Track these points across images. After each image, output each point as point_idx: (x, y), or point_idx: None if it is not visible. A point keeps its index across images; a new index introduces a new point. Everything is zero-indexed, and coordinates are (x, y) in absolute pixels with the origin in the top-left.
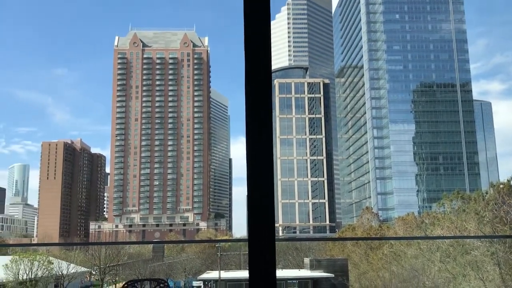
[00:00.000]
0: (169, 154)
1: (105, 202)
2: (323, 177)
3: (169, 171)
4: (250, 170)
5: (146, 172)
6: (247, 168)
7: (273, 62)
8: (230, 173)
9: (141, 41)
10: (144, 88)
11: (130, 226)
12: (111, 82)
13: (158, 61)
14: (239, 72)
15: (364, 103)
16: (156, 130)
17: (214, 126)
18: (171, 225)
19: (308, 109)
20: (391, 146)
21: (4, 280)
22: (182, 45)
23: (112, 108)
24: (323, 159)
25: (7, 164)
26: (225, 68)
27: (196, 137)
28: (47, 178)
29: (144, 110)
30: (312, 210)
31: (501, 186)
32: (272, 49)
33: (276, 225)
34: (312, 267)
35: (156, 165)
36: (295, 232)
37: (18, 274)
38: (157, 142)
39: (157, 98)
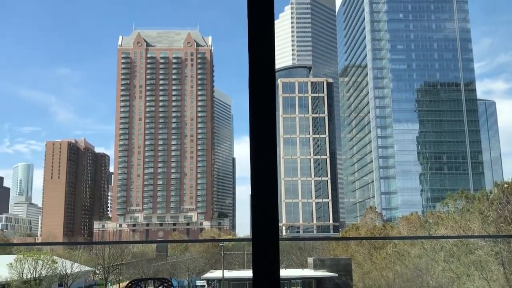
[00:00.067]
0: (173, 153)
1: (109, 201)
2: (327, 176)
3: (173, 170)
4: (254, 170)
5: (150, 171)
6: (251, 167)
7: (276, 62)
8: (234, 172)
9: (145, 41)
10: (148, 87)
11: (134, 225)
12: (115, 81)
13: (161, 60)
14: (243, 72)
15: (368, 102)
16: (160, 129)
17: (217, 125)
18: (174, 224)
19: (312, 109)
20: (395, 146)
21: (8, 279)
22: (185, 44)
23: (116, 107)
24: (326, 159)
25: (11, 163)
26: (228, 68)
27: (199, 136)
28: (51, 178)
29: (147, 109)
30: (316, 210)
31: (505, 185)
32: (276, 49)
33: (280, 224)
34: (316, 267)
35: (159, 165)
36: (298, 232)
37: (22, 273)
38: (160, 142)
39: (161, 98)
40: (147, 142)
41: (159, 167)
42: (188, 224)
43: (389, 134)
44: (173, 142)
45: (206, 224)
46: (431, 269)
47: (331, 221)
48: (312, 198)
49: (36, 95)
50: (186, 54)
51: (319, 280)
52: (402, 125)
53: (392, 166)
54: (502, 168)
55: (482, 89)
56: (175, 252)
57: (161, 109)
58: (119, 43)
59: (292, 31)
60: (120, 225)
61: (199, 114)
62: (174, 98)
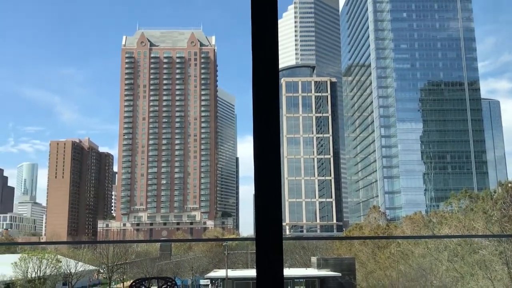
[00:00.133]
0: (177, 153)
1: (113, 200)
2: (330, 176)
3: (177, 170)
4: (257, 169)
5: (154, 171)
6: (254, 167)
7: (280, 61)
8: (237, 172)
9: (149, 41)
10: (152, 87)
11: (138, 224)
12: (118, 81)
13: (165, 60)
14: (246, 71)
15: (372, 101)
16: (164, 129)
17: (221, 125)
18: (178, 223)
19: (315, 108)
20: (399, 145)
21: (13, 278)
22: (189, 44)
23: (119, 107)
24: (330, 158)
25: (15, 163)
26: (232, 67)
27: (203, 136)
28: (55, 177)
29: (151, 109)
30: (319, 209)
31: (509, 185)
32: (279, 48)
33: (283, 224)
34: (319, 266)
35: (163, 164)
36: (302, 231)
37: (27, 272)
38: (164, 141)
39: (165, 97)
40: (151, 142)
41: (163, 167)
42: (191, 223)
43: (393, 133)
44: (177, 141)
45: (210, 223)
46: (435, 269)
47: (334, 221)
48: (315, 198)
49: (40, 95)
50: (190, 54)
51: (322, 280)
52: (405, 125)
53: (396, 166)
54: (506, 167)
55: (486, 88)
56: (178, 251)
57: (164, 109)
58: (123, 43)
59: (296, 31)
60: (124, 224)
61: (203, 114)
62: (177, 98)
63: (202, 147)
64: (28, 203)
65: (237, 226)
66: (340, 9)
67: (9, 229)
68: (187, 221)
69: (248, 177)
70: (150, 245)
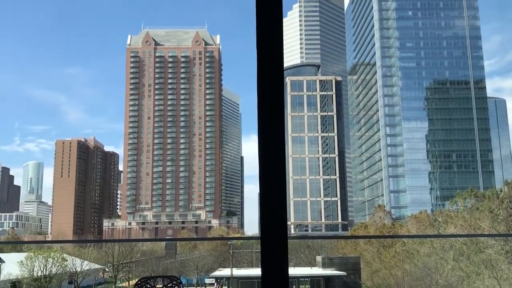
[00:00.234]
0: (181, 152)
1: (118, 199)
2: (335, 175)
3: (181, 169)
4: (262, 168)
5: (159, 170)
6: (259, 166)
7: (285, 60)
8: (242, 171)
9: (154, 40)
10: (157, 86)
11: (143, 223)
12: (124, 80)
13: (170, 59)
14: (251, 70)
15: (377, 100)
16: (168, 128)
17: (225, 124)
18: (183, 222)
19: (320, 107)
20: (404, 144)
21: (19, 277)
22: (194, 43)
23: (125, 106)
24: (335, 157)
25: (21, 162)
26: (236, 66)
27: (208, 135)
28: (61, 176)
29: (156, 108)
30: (324, 208)
31: None
32: (284, 47)
33: (288, 223)
34: (324, 265)
35: (168, 163)
36: (307, 230)
37: (33, 271)
38: (169, 140)
39: (169, 97)
40: (156, 141)
41: (168, 166)
42: (196, 222)
43: (398, 132)
44: (182, 140)
45: (215, 222)
46: (441, 268)
47: (339, 220)
48: (320, 197)
49: (46, 94)
50: (194, 53)
51: (327, 279)
52: (411, 123)
53: (401, 165)
54: None
55: (492, 87)
56: (184, 250)
57: (169, 108)
58: (128, 42)
59: (301, 29)
60: (130, 223)
61: (208, 113)
62: (182, 97)
63: (207, 146)
64: (34, 202)
65: (242, 225)
66: (345, 8)
67: (15, 228)
68: (192, 220)
69: (253, 176)
70: (155, 244)
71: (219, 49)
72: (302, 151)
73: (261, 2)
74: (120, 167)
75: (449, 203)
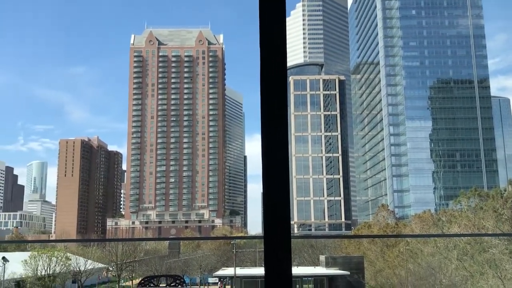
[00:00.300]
0: (185, 151)
1: (121, 199)
2: (339, 174)
3: (185, 168)
4: (266, 168)
5: (162, 169)
6: (263, 165)
7: (288, 59)
8: (245, 170)
9: (157, 39)
10: (160, 86)
11: (147, 222)
12: (127, 80)
13: (173, 59)
14: (254, 70)
15: (380, 99)
16: (172, 127)
17: (229, 123)
18: (186, 221)
19: (324, 106)
20: (408, 143)
21: (23, 276)
22: (197, 42)
23: (128, 106)
24: (338, 156)
25: (25, 161)
26: (240, 66)
27: (211, 134)
28: (65, 175)
29: (159, 108)
30: (328, 208)
31: None
32: (287, 46)
33: (291, 222)
34: (328, 265)
35: (171, 163)
36: (310, 230)
37: (37, 270)
38: (172, 140)
39: (173, 96)
40: (159, 140)
41: (171, 165)
42: (200, 221)
43: (402, 131)
44: (185, 140)
45: (218, 221)
46: (444, 267)
47: (343, 219)
48: (324, 196)
49: (49, 94)
50: (198, 52)
51: (331, 278)
52: (414, 123)
53: (405, 164)
54: None
55: (496, 86)
56: (187, 250)
57: (173, 107)
58: (132, 41)
59: (304, 28)
60: (133, 223)
61: (211, 112)
62: (185, 96)
63: (210, 145)
64: (37, 201)
65: (245, 224)
66: (349, 7)
67: (19, 227)
68: (196, 219)
69: (256, 176)
70: (158, 243)
71: (222, 48)
72: (306, 150)
73: (264, 1)
74: (124, 167)
75: (453, 202)
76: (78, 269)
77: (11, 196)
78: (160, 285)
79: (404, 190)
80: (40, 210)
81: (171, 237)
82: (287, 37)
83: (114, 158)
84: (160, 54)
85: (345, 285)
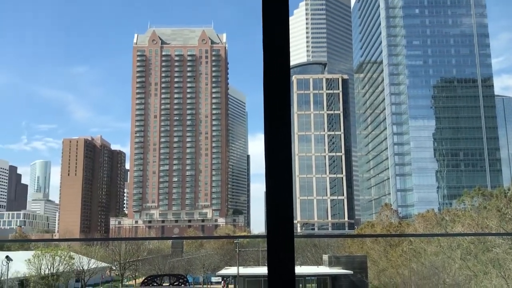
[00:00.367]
0: (188, 150)
1: (125, 198)
2: (342, 173)
3: (188, 167)
4: (269, 167)
5: (165, 168)
6: (266, 164)
7: (291, 58)
8: (248, 169)
9: (160, 39)
10: (163, 85)
11: (150, 222)
12: (130, 79)
13: (176, 58)
14: (257, 69)
15: (384, 98)
16: (175, 127)
17: (232, 122)
18: (190, 221)
19: (327, 105)
20: (411, 142)
21: (27, 275)
22: (200, 42)
23: (131, 105)
24: (341, 156)
25: (29, 160)
26: (243, 65)
27: (214, 133)
28: (68, 175)
29: (163, 107)
30: (331, 207)
31: None
32: (290, 45)
33: (294, 221)
34: (331, 264)
35: (175, 162)
36: (313, 229)
37: (40, 269)
38: (176, 139)
39: (176, 95)
40: (162, 140)
41: (175, 164)
42: (203, 220)
43: (405, 131)
44: (188, 139)
45: (221, 221)
46: (448, 267)
47: (346, 218)
48: (327, 195)
49: (53, 93)
50: (201, 52)
51: (334, 277)
52: (418, 122)
53: (408, 163)
54: None
55: (500, 85)
56: (190, 249)
57: (176, 107)
58: (135, 41)
59: (307, 28)
60: (136, 222)
61: (214, 112)
62: (189, 96)
63: (213, 144)
64: (41, 201)
65: (248, 224)
66: (352, 6)
67: (22, 226)
68: (199, 218)
69: (259, 175)
70: (162, 243)
71: (225, 47)
72: (309, 149)
73: (268, 0)
74: (127, 166)
75: (457, 201)
76: (81, 268)
77: (14, 195)
78: (163, 284)
79: (407, 189)
80: (43, 209)
81: (174, 236)
82: (290, 36)
83: (117, 157)
84: (163, 53)
85: (348, 285)
